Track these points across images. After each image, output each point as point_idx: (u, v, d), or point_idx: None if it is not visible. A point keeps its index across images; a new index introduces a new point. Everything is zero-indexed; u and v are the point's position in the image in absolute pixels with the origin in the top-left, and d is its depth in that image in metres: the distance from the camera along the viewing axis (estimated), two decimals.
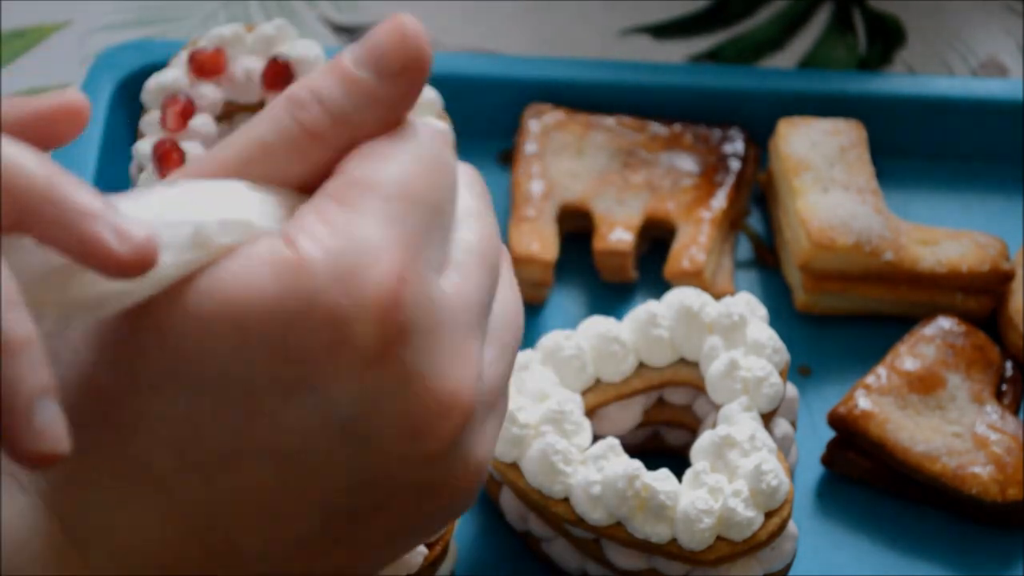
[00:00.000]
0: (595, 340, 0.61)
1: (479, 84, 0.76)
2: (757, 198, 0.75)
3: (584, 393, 0.61)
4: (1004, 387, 0.66)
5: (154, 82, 0.67)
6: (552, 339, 0.61)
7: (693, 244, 0.70)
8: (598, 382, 0.62)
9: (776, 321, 0.66)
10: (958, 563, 0.62)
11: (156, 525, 0.41)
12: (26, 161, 0.38)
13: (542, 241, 0.70)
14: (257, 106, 0.67)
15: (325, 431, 0.41)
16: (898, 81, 0.77)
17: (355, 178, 0.42)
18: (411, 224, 0.42)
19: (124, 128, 0.73)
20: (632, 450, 0.62)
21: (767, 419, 0.59)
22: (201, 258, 0.40)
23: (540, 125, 0.74)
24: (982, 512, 0.63)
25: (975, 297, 0.69)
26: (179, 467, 0.41)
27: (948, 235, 0.70)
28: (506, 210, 0.72)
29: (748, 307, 0.62)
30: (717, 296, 0.63)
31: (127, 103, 0.73)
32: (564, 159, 0.73)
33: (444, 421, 0.42)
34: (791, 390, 0.62)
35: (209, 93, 0.66)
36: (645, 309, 0.62)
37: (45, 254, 0.39)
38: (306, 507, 0.42)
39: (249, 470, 0.41)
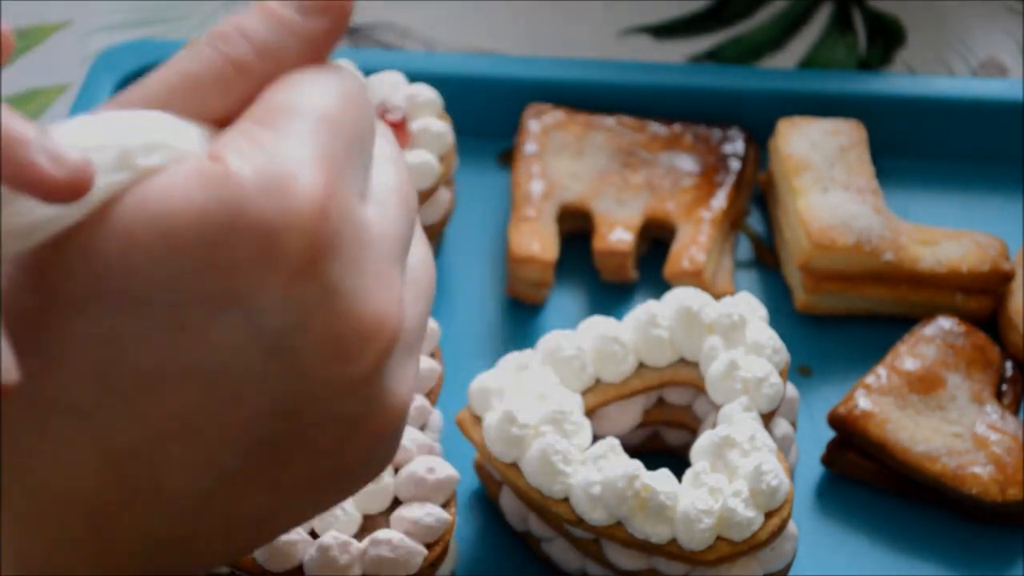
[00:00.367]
0: (595, 340, 0.61)
1: (479, 84, 0.76)
2: (757, 198, 0.75)
3: (584, 393, 0.61)
4: (1004, 387, 0.66)
5: None
6: (552, 339, 0.61)
7: (693, 244, 0.70)
8: (598, 382, 0.62)
9: (776, 321, 0.66)
10: (958, 563, 0.62)
11: (77, 461, 0.41)
12: None
13: (542, 241, 0.70)
14: None
15: (250, 348, 0.41)
16: (898, 81, 0.77)
17: (278, 103, 0.43)
18: (334, 147, 0.42)
19: None
20: (632, 450, 0.62)
21: (767, 419, 0.59)
22: (128, 179, 0.40)
23: (540, 125, 0.74)
24: (982, 512, 0.63)
25: (975, 297, 0.69)
26: (102, 392, 0.40)
27: (948, 235, 0.70)
28: (506, 210, 0.72)
29: (748, 307, 0.62)
30: (717, 296, 0.63)
31: None
32: (564, 159, 0.73)
33: (369, 343, 0.42)
34: (791, 390, 0.62)
35: None
36: (645, 309, 0.62)
37: None
38: (229, 434, 0.42)
39: (172, 393, 0.41)
